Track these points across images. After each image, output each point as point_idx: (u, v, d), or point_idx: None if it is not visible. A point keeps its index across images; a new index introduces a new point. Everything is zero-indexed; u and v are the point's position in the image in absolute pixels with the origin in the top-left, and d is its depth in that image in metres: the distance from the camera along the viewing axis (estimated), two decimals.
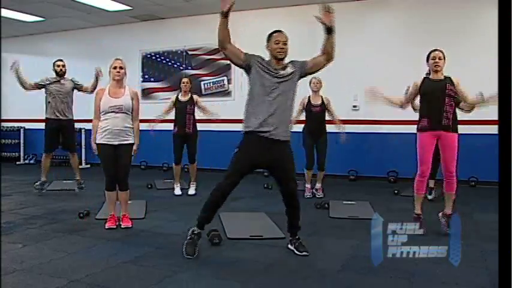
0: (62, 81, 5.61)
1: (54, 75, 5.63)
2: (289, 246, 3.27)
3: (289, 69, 3.10)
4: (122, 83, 3.92)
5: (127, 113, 3.89)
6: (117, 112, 3.83)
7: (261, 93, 3.06)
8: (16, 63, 5.41)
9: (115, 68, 3.88)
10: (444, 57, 3.74)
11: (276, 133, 3.05)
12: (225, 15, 2.94)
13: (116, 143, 3.85)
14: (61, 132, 5.69)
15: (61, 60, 5.68)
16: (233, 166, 3.10)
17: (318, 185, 5.67)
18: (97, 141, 3.89)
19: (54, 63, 5.65)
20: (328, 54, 3.12)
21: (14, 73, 5.42)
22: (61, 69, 5.62)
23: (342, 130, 5.50)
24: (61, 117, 5.59)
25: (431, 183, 5.39)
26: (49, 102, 5.60)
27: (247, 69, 3.13)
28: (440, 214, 3.80)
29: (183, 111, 5.61)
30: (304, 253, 3.15)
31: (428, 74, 3.84)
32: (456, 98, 3.75)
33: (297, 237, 3.25)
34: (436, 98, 3.64)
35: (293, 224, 3.26)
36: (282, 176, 3.18)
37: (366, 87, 3.98)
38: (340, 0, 7.24)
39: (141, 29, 8.74)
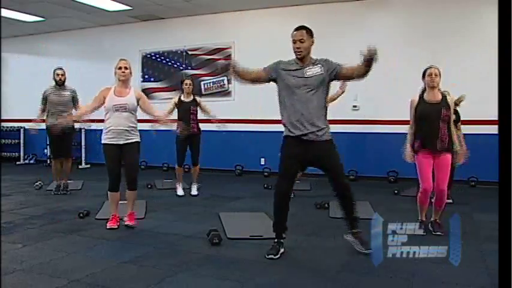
0: (62, 90, 5.55)
1: (54, 83, 5.56)
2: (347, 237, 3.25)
3: (317, 69, 3.05)
4: (127, 84, 3.92)
5: (132, 113, 3.88)
6: (122, 111, 3.83)
7: (287, 95, 3.06)
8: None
9: (120, 68, 3.88)
10: (440, 74, 3.76)
11: (308, 134, 3.05)
12: (235, 73, 3.08)
13: (121, 142, 3.85)
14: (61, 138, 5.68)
15: (61, 69, 5.62)
16: (280, 167, 3.16)
17: None
18: (102, 141, 3.89)
19: (54, 72, 5.58)
20: (360, 76, 3.06)
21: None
22: (60, 78, 5.55)
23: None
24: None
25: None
26: (49, 110, 5.53)
27: (276, 79, 3.12)
28: (429, 222, 3.84)
29: (187, 112, 5.59)
30: (366, 251, 3.06)
31: (424, 90, 3.82)
32: (455, 116, 3.75)
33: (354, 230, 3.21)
34: (431, 122, 3.68)
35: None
36: (328, 173, 3.24)
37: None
38: (340, 0, 7.27)
39: (141, 29, 8.74)
